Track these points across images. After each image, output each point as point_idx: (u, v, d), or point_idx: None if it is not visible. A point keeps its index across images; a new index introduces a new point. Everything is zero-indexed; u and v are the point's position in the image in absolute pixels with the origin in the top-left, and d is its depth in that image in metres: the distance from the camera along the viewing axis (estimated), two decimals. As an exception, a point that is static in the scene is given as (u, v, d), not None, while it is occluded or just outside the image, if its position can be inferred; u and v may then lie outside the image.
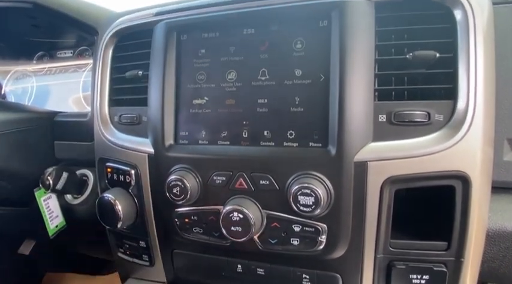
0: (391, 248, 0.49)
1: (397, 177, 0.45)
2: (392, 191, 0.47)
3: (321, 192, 0.46)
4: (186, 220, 0.56)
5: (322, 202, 0.46)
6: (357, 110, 0.45)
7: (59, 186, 0.71)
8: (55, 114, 0.82)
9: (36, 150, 0.78)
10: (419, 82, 0.46)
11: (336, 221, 0.48)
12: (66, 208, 0.77)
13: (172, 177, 0.53)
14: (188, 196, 0.52)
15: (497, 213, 0.52)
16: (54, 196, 0.74)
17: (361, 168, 0.46)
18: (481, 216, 0.47)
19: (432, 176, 0.45)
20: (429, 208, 0.51)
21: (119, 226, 0.60)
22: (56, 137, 0.81)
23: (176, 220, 0.57)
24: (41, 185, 0.70)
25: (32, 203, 0.77)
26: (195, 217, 0.55)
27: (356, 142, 0.46)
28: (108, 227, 0.61)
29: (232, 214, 0.50)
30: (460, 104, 0.44)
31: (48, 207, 0.72)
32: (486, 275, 0.53)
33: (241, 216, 0.49)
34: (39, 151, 0.79)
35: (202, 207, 0.54)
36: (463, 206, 0.46)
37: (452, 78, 0.45)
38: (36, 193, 0.69)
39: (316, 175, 0.47)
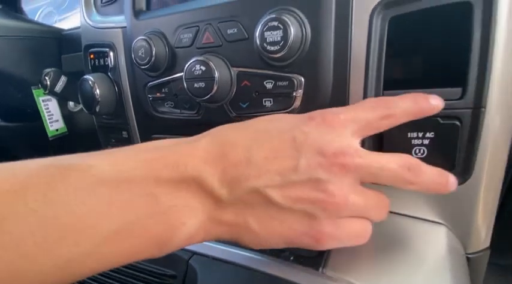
0: (384, 101, 0.38)
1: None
2: (386, 20, 0.36)
3: (292, 26, 0.37)
4: (158, 94, 0.52)
5: (291, 37, 0.37)
6: None
7: (58, 89, 0.72)
8: (62, 30, 0.83)
9: (44, 61, 0.79)
10: None
11: (313, 69, 0.39)
12: (68, 116, 0.78)
13: (139, 37, 0.48)
14: (153, 59, 0.47)
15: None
16: (54, 100, 0.75)
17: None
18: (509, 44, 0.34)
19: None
20: (433, 45, 0.39)
21: (97, 109, 0.58)
22: (63, 51, 0.82)
23: (149, 96, 0.53)
24: (39, 85, 0.71)
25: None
26: (166, 89, 0.51)
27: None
28: (87, 111, 0.59)
29: (194, 68, 0.43)
30: None
31: (48, 108, 0.73)
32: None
33: (203, 68, 0.43)
34: (48, 63, 0.80)
35: (171, 77, 0.49)
36: (483, 31, 0.33)
37: None
38: (34, 91, 0.70)
39: (288, 9, 0.39)
